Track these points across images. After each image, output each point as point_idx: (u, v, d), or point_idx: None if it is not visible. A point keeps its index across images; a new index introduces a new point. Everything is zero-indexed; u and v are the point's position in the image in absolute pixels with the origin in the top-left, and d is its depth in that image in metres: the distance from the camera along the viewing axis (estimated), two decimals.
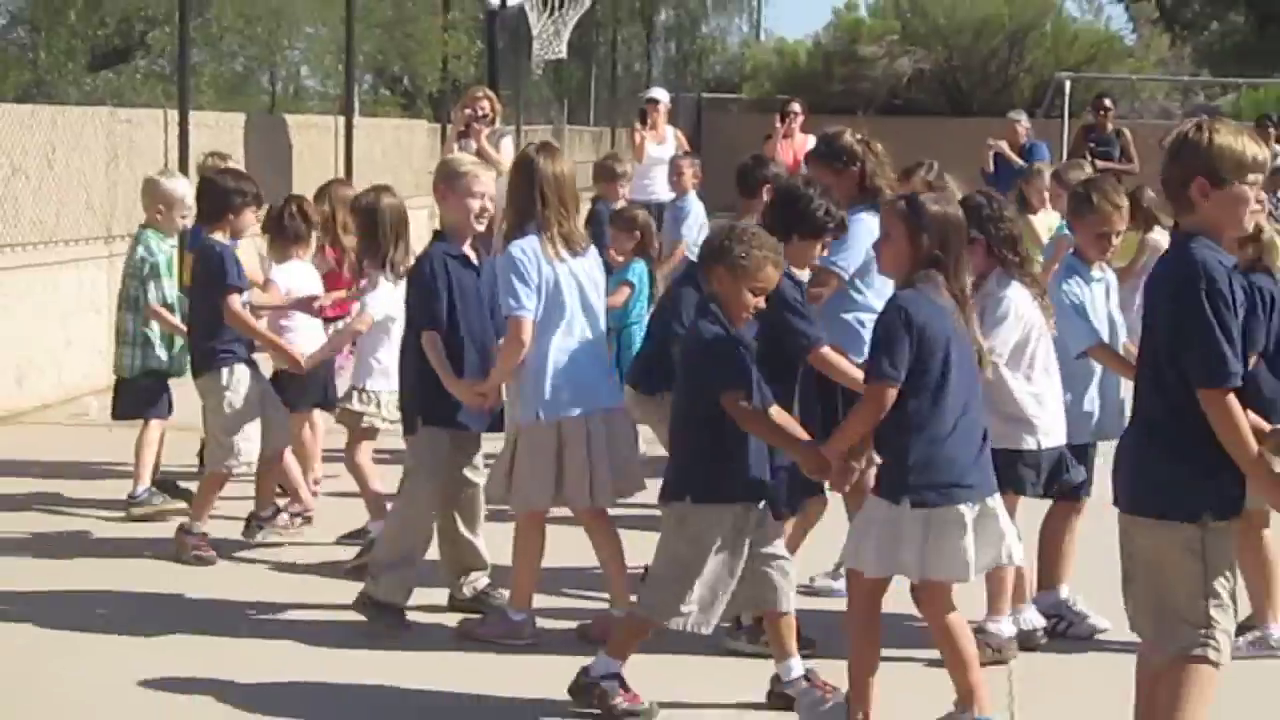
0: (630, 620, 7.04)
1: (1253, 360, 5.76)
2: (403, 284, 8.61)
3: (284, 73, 36.50)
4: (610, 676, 6.84)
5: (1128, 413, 6.02)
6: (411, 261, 8.60)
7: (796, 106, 19.12)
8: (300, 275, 10.03)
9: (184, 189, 10.21)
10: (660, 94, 19.39)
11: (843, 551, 6.73)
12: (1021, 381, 7.60)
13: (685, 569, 6.69)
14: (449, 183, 8.04)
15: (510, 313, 7.52)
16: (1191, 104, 41.85)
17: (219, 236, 9.36)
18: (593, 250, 7.87)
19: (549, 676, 7.15)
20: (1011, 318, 7.55)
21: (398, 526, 8.10)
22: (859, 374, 7.16)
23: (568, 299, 7.58)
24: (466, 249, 8.05)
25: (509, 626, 7.77)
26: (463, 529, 8.26)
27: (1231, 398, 5.54)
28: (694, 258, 9.15)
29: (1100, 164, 19.37)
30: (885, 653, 6.69)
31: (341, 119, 19.55)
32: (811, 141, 17.76)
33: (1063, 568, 8.12)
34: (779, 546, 6.95)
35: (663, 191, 16.82)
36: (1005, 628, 7.60)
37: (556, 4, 21.14)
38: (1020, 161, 18.72)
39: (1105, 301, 8.17)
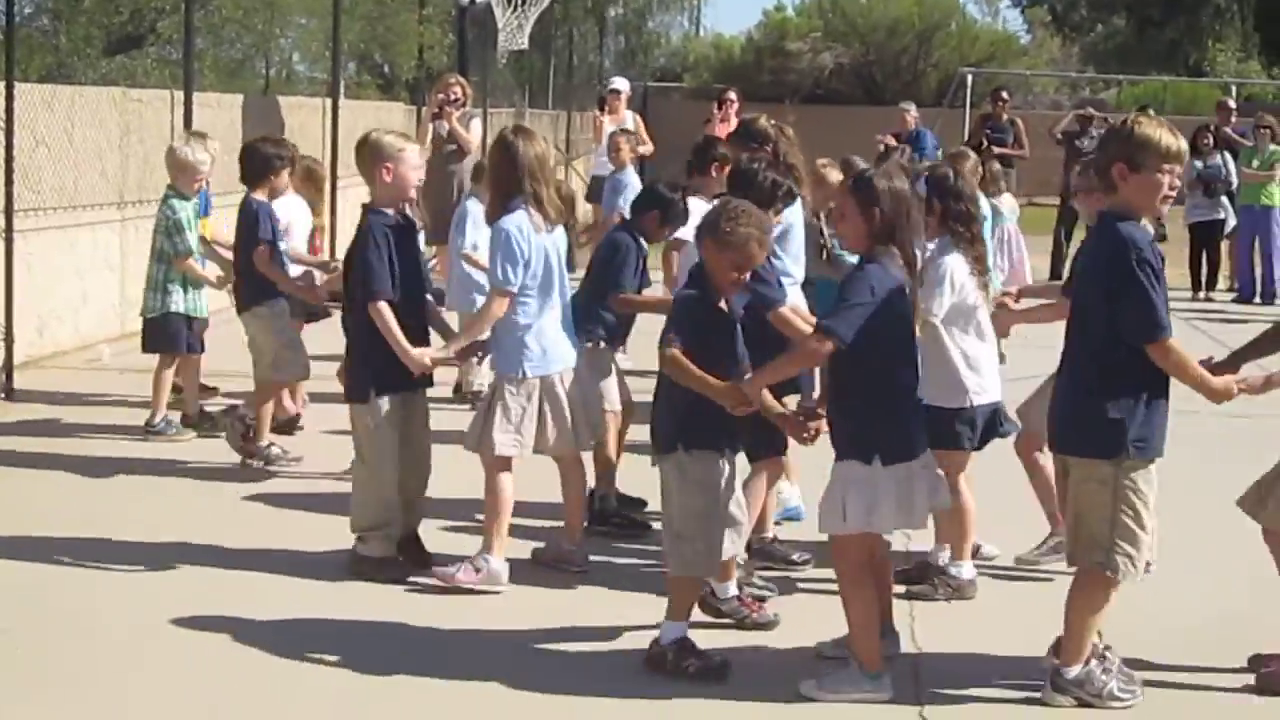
0: (675, 582, 6.57)
1: None
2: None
3: (277, 59, 36.31)
4: (676, 641, 6.46)
5: None
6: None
7: (732, 94, 19.09)
8: (293, 206, 10.59)
9: (198, 155, 10.45)
10: (621, 83, 19.35)
11: (820, 520, 6.39)
12: (958, 343, 7.43)
13: (703, 517, 6.45)
14: (394, 159, 7.65)
15: (497, 286, 7.45)
16: (1079, 97, 41.97)
17: (259, 195, 9.84)
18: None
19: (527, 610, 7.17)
20: (947, 283, 7.37)
21: (369, 493, 7.69)
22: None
23: (551, 267, 7.55)
24: (399, 216, 7.77)
25: (482, 574, 7.43)
26: (411, 485, 7.85)
27: (1173, 342, 5.87)
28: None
29: (996, 150, 19.46)
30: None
31: (328, 101, 19.45)
32: None
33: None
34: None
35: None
36: (966, 570, 7.53)
37: (520, 1, 21.05)
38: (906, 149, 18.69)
39: None
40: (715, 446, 6.46)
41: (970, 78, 29.80)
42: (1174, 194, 6.01)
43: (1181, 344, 5.97)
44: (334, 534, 8.05)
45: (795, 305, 7.84)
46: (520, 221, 7.43)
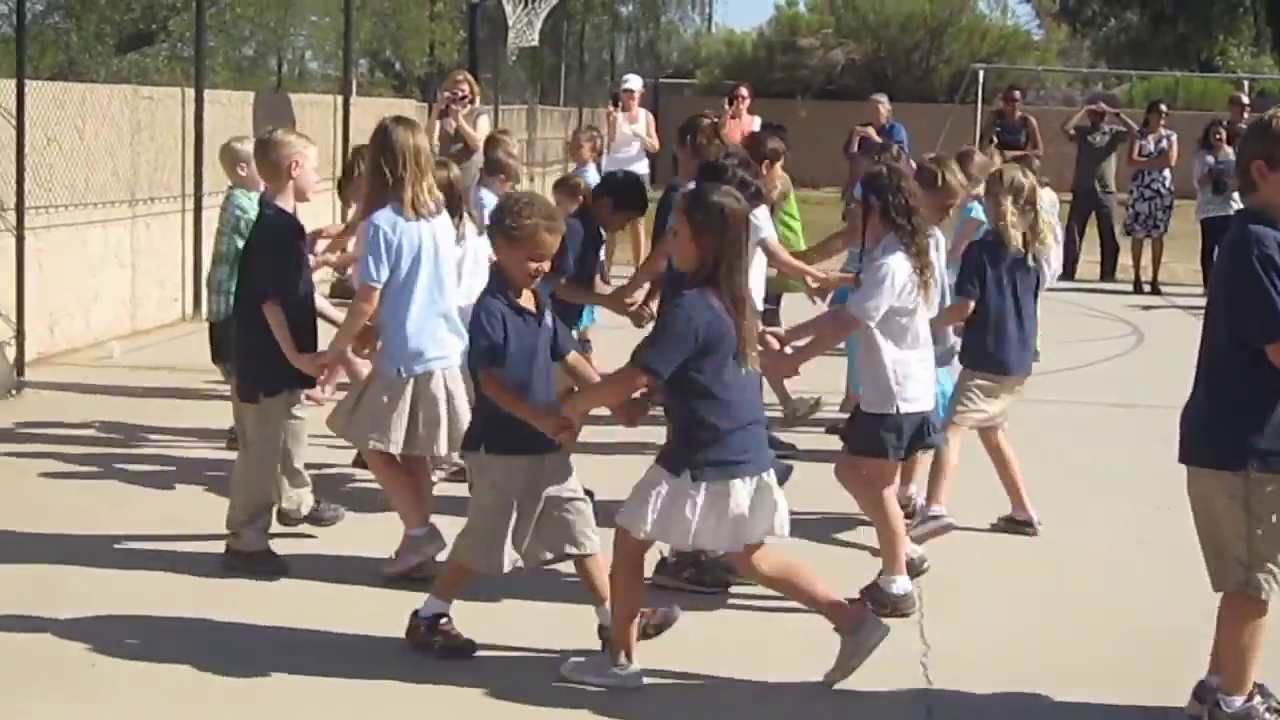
0: (451, 567, 6.64)
1: None
2: None
3: (289, 56, 36.35)
4: (433, 618, 6.55)
5: None
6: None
7: (744, 90, 19.08)
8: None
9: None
10: (635, 81, 19.38)
11: (621, 512, 6.21)
12: (891, 349, 7.14)
13: (490, 516, 6.36)
14: (301, 157, 7.53)
15: (361, 281, 7.34)
16: (1090, 92, 41.85)
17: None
18: (445, 214, 7.63)
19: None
20: (887, 284, 7.05)
21: (248, 488, 7.64)
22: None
23: (426, 260, 7.38)
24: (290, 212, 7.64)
25: (414, 546, 7.43)
26: (293, 460, 7.96)
27: None
28: None
29: (1009, 153, 19.36)
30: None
31: (340, 98, 19.45)
32: (756, 120, 17.85)
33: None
34: (575, 489, 6.51)
35: (632, 162, 16.90)
36: (899, 585, 7.17)
37: None
38: (879, 140, 18.58)
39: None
40: (518, 451, 6.31)
41: (981, 73, 29.68)
42: None
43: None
44: (341, 534, 8.07)
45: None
46: (389, 216, 7.30)
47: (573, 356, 6.58)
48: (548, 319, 6.44)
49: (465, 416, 7.30)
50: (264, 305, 7.38)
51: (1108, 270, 21.38)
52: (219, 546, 7.76)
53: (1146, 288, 20.33)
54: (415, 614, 6.60)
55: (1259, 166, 5.58)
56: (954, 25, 44.83)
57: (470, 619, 6.62)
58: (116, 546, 7.91)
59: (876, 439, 7.16)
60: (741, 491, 6.05)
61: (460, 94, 14.49)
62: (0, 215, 11.89)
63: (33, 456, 9.71)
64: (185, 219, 15.19)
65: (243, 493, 7.66)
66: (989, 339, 8.38)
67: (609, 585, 6.34)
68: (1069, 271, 19.71)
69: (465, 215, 8.79)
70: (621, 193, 9.12)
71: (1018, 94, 21.88)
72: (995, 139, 20.12)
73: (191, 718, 5.93)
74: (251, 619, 6.90)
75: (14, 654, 6.45)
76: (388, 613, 6.84)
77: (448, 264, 7.56)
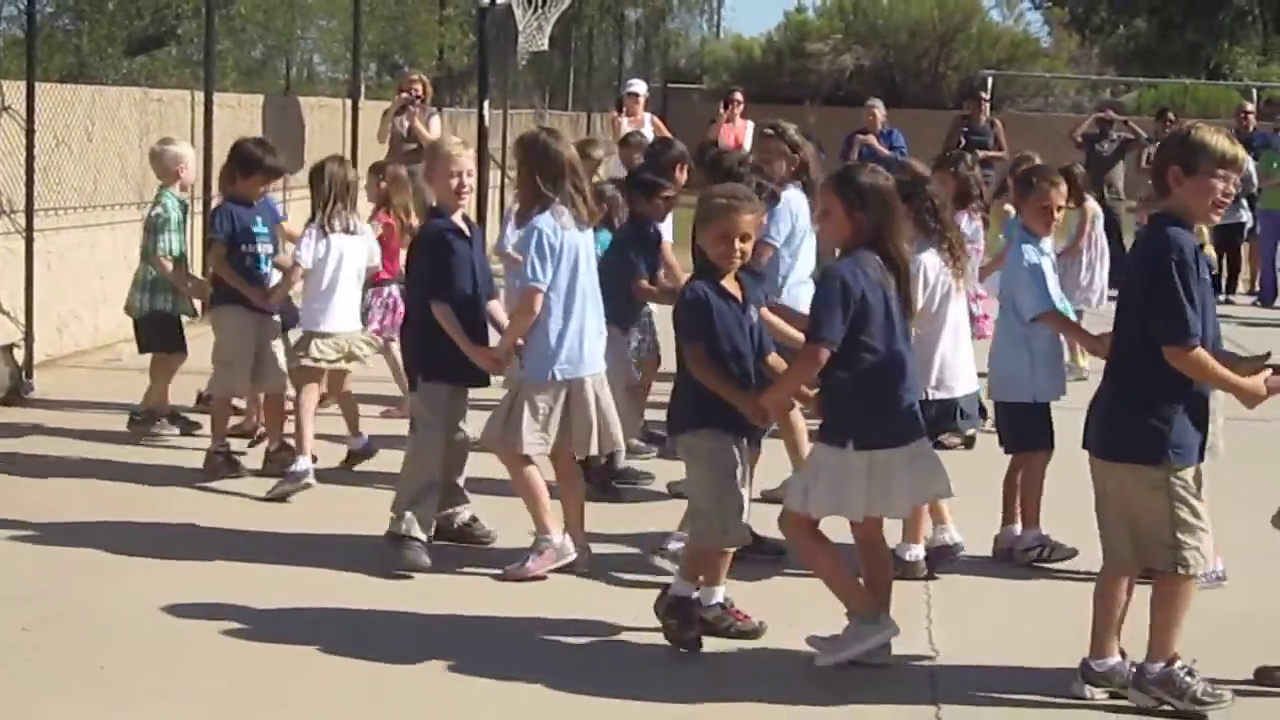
0: (693, 550, 6.84)
1: None
2: (336, 236, 9.16)
3: (298, 59, 36.28)
4: (717, 605, 6.79)
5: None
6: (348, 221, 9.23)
7: (738, 95, 19.09)
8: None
9: (185, 152, 10.56)
10: (639, 86, 19.35)
11: (788, 496, 6.64)
12: (924, 337, 7.44)
13: (713, 493, 6.62)
14: (433, 163, 7.99)
15: (526, 284, 7.50)
16: (1099, 99, 41.86)
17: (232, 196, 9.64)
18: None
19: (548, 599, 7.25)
20: (919, 280, 7.47)
21: (416, 468, 7.85)
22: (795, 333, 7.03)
23: (582, 270, 7.58)
24: (458, 220, 7.94)
25: (550, 553, 7.62)
26: (451, 472, 8.10)
27: (1198, 351, 5.79)
28: None
29: (981, 153, 19.27)
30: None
31: (349, 101, 19.46)
32: (750, 125, 17.81)
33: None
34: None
35: None
36: (913, 552, 7.61)
37: (540, 2, 21.04)
38: (885, 150, 18.55)
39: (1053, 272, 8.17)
40: (727, 429, 6.59)
41: (990, 79, 29.74)
42: (1228, 201, 5.96)
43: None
44: (346, 525, 8.08)
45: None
46: (548, 222, 7.50)
47: (773, 357, 6.81)
48: (752, 311, 6.70)
49: (614, 420, 7.70)
50: (432, 306, 7.68)
51: (1117, 277, 21.30)
52: (226, 547, 7.76)
53: None
54: (695, 603, 6.72)
55: (1175, 172, 5.91)
56: (963, 32, 44.81)
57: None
58: (126, 550, 7.90)
59: None
60: (899, 459, 6.42)
61: (416, 94, 14.59)
62: (9, 217, 11.90)
63: (40, 459, 9.71)
64: (195, 221, 15.15)
65: (410, 475, 7.87)
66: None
67: (816, 571, 6.64)
68: None
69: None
70: (644, 186, 9.33)
71: (984, 95, 21.89)
72: (963, 141, 20.12)
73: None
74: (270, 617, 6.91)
75: (19, 656, 6.44)
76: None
77: (594, 274, 7.73)
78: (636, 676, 6.42)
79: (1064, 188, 8.34)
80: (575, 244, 7.54)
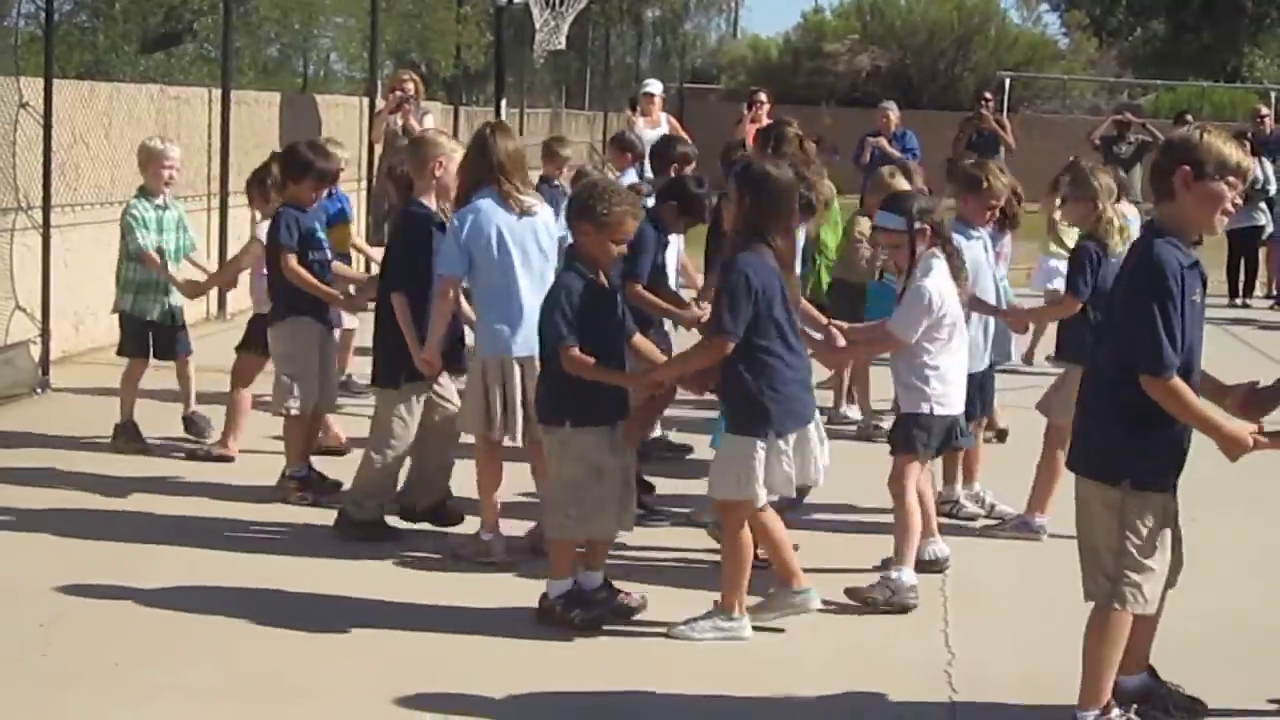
0: (550, 542, 7.05)
1: None
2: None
3: (315, 58, 36.36)
4: (562, 595, 6.93)
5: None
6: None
7: (763, 95, 19.09)
8: None
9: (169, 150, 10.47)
10: (655, 86, 19.34)
11: (714, 488, 6.86)
12: (928, 355, 7.46)
13: (577, 488, 6.78)
14: (415, 153, 8.09)
15: (438, 272, 7.63)
16: (1116, 102, 41.79)
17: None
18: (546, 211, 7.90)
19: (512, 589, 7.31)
20: (926, 305, 7.38)
21: (381, 464, 8.04)
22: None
23: (514, 253, 7.61)
24: (430, 203, 8.00)
25: (479, 546, 7.79)
26: (432, 458, 8.25)
27: (1174, 381, 5.44)
28: None
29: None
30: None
31: (365, 99, 19.47)
32: None
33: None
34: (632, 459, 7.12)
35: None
36: (906, 576, 7.32)
37: (557, 1, 21.05)
38: (895, 152, 18.51)
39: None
40: (600, 421, 6.80)
41: (1008, 81, 29.72)
42: (1234, 211, 5.63)
43: (1211, 366, 5.79)
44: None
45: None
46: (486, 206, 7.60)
47: (638, 338, 7.18)
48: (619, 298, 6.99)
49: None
50: (392, 295, 7.79)
51: None
52: (244, 543, 7.81)
53: None
54: (544, 596, 6.96)
55: (1184, 174, 5.53)
56: (981, 34, 44.75)
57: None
58: (140, 546, 7.92)
59: (908, 435, 7.54)
60: (811, 432, 6.85)
61: (408, 92, 14.63)
62: (27, 213, 11.91)
63: (57, 455, 9.72)
64: (211, 218, 15.20)
65: (372, 468, 8.02)
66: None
67: (769, 552, 6.97)
68: None
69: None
70: (690, 201, 9.20)
71: (988, 97, 21.91)
72: (974, 138, 20.13)
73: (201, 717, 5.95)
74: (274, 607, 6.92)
75: (35, 652, 6.46)
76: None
77: (539, 257, 7.75)
78: (636, 671, 6.43)
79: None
80: (508, 230, 7.57)
